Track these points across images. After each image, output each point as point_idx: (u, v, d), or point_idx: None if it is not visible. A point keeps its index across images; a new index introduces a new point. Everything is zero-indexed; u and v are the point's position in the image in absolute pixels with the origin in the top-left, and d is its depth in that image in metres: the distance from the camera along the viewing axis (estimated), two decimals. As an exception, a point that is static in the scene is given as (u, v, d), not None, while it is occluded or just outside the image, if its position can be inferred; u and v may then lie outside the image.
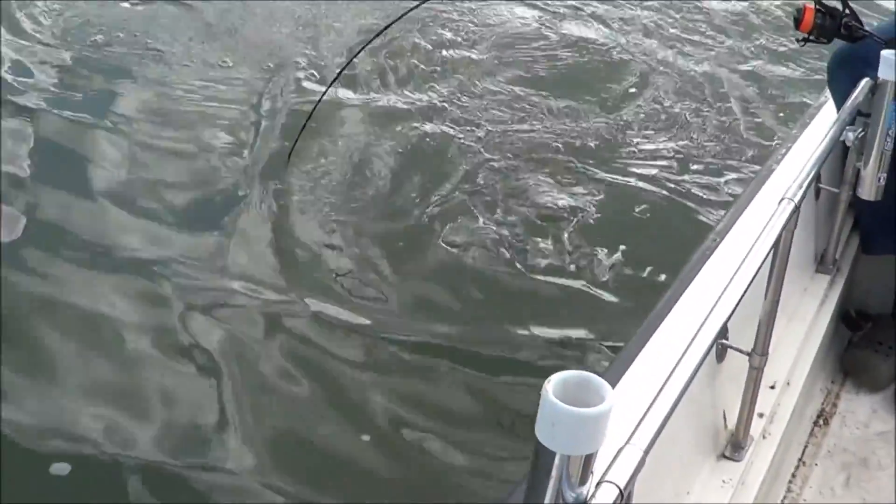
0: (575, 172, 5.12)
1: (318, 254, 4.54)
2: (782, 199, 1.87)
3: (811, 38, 2.70)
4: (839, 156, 2.67)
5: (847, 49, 2.89)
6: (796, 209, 1.87)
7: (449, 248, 4.57)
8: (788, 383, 2.36)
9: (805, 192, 1.93)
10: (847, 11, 2.70)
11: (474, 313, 4.25)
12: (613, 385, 1.67)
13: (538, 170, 5.16)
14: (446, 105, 5.77)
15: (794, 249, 1.99)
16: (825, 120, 2.74)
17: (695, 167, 5.22)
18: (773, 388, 2.28)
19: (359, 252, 4.55)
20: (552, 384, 1.06)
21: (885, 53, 2.39)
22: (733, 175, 5.08)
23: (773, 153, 2.72)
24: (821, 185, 2.66)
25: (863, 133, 2.47)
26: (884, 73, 2.40)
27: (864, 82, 2.44)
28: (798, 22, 2.70)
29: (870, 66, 2.46)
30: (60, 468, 3.39)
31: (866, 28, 2.71)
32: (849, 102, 2.39)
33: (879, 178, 2.53)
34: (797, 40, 2.77)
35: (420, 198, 4.95)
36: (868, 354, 2.81)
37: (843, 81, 2.63)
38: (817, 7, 2.69)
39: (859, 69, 2.53)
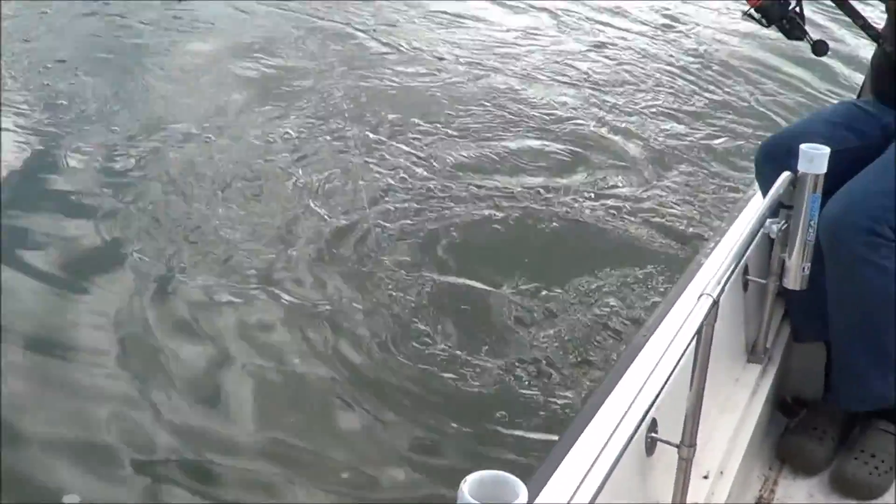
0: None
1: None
2: (701, 295, 1.92)
3: (754, 14, 2.86)
4: (766, 247, 2.75)
5: (773, 142, 3.01)
6: (715, 304, 1.92)
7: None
8: (722, 472, 2.39)
9: (724, 287, 1.98)
10: (797, 9, 2.85)
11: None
12: (543, 483, 1.70)
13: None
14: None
15: (724, 341, 2.04)
16: (753, 212, 2.83)
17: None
18: (706, 477, 2.32)
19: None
20: (468, 484, 1.10)
21: (804, 147, 2.48)
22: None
23: (702, 247, 2.80)
24: (748, 277, 2.74)
25: (786, 225, 2.55)
26: (803, 166, 2.48)
27: (785, 175, 2.52)
28: None
29: (795, 157, 2.54)
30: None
31: (804, 30, 2.85)
32: (770, 195, 2.46)
33: (804, 268, 2.60)
34: (742, 12, 2.90)
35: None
36: (802, 439, 2.86)
37: (769, 173, 2.70)
38: None
39: (785, 161, 2.60)
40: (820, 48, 2.93)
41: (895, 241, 2.64)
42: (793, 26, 2.87)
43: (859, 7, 2.93)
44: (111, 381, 4.24)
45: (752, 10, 2.87)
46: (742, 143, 6.76)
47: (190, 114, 6.77)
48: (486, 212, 5.68)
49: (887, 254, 2.64)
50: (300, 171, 6.03)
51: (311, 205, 5.65)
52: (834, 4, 2.89)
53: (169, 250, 5.15)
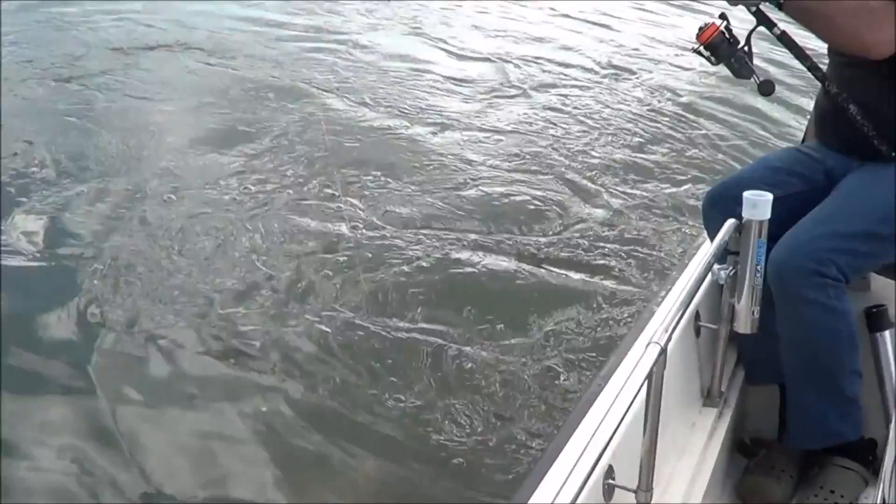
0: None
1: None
2: (649, 343, 1.98)
3: (703, 51, 2.93)
4: (716, 293, 2.81)
5: (718, 189, 3.07)
6: (663, 351, 1.97)
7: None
8: None
9: (671, 335, 2.04)
10: (745, 49, 2.91)
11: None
12: None
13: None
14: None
15: (678, 386, 2.08)
16: (702, 259, 2.89)
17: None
18: None
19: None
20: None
21: (747, 195, 2.55)
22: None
23: (655, 296, 2.86)
24: (700, 323, 2.80)
25: (734, 271, 2.61)
26: (747, 213, 2.55)
27: (730, 222, 2.58)
28: (701, 31, 2.91)
29: (741, 204, 2.61)
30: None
31: (752, 69, 2.92)
32: (716, 243, 2.53)
33: (753, 312, 2.66)
34: (692, 48, 2.98)
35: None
36: (761, 479, 2.91)
37: (716, 221, 2.77)
38: (722, 30, 2.90)
39: (731, 208, 2.67)
40: (766, 88, 3.00)
41: (842, 282, 2.72)
42: (741, 65, 2.93)
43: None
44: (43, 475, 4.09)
45: (702, 48, 2.94)
46: (694, 188, 6.85)
47: (146, 174, 6.76)
48: (440, 262, 5.72)
49: (835, 294, 2.71)
50: (256, 226, 6.05)
51: (266, 259, 5.68)
52: (783, 44, 2.96)
53: (124, 313, 5.10)
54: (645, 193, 6.83)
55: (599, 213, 6.47)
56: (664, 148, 7.73)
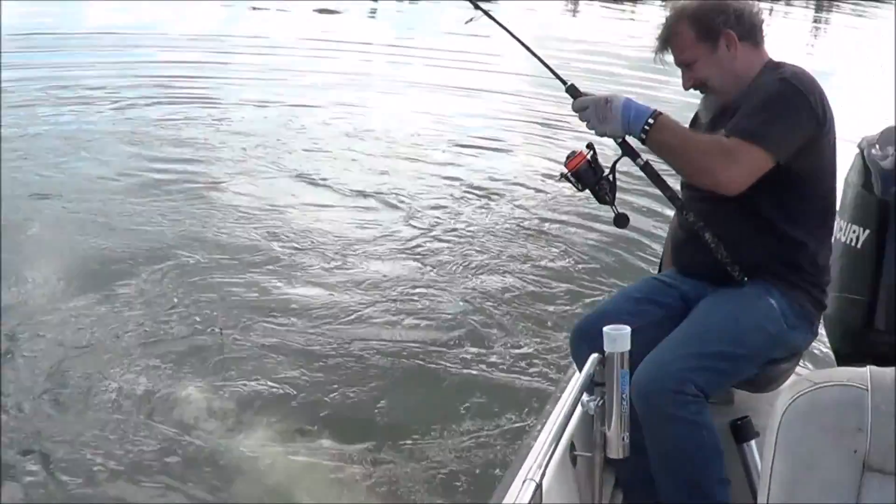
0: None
1: None
2: (525, 480, 2.11)
3: (570, 177, 3.15)
4: (588, 422, 2.97)
5: (583, 324, 3.28)
6: (538, 487, 2.10)
7: None
8: None
9: (545, 469, 2.17)
10: (611, 178, 3.14)
11: None
12: None
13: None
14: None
15: None
16: (572, 392, 3.05)
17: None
18: None
19: None
20: None
21: (606, 330, 2.72)
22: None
23: (530, 430, 3.01)
24: (576, 453, 2.95)
25: (601, 401, 2.78)
26: (608, 346, 2.73)
27: (594, 357, 2.75)
28: (569, 159, 3.14)
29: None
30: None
31: (612, 199, 3.17)
32: (582, 377, 2.69)
33: (623, 438, 2.80)
34: (560, 174, 3.19)
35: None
36: None
37: (583, 354, 2.93)
38: (589, 159, 3.12)
39: (596, 341, 2.82)
40: (620, 221, 3.24)
41: (702, 397, 2.92)
42: (603, 193, 3.17)
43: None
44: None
45: (569, 174, 3.16)
46: (573, 310, 7.06)
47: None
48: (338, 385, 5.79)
49: (696, 409, 2.93)
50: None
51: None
52: (645, 175, 3.18)
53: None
54: (520, 320, 6.96)
55: (476, 343, 6.55)
56: (539, 273, 7.91)
